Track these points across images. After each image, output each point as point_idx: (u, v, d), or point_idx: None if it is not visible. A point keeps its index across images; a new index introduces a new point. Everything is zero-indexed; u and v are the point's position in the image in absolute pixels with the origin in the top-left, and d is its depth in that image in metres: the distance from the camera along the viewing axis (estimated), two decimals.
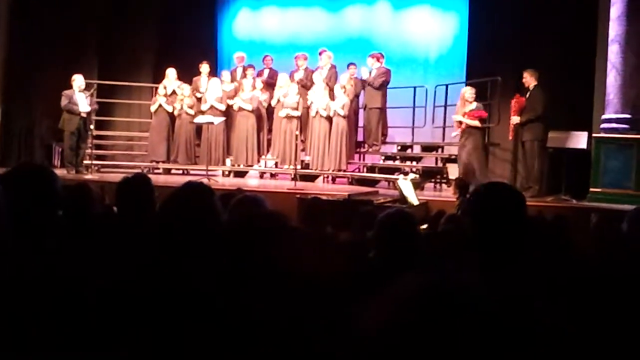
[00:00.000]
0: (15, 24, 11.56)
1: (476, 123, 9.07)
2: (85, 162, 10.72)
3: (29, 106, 11.92)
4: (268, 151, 11.41)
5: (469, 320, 0.74)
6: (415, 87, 11.16)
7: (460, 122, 9.21)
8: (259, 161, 11.49)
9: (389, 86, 11.02)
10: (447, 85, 10.85)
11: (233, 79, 11.71)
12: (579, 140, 8.60)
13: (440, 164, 10.47)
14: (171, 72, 11.55)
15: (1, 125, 11.70)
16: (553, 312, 1.72)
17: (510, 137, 9.22)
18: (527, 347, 0.77)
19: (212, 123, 10.63)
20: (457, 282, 0.79)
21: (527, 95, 9.04)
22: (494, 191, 2.22)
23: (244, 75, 11.54)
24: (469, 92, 9.33)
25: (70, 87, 10.46)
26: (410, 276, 0.82)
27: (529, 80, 9.06)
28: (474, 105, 9.19)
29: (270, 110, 11.32)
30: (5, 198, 1.54)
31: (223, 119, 10.92)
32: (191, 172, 11.33)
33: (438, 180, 10.28)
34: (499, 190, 2.23)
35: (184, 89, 11.37)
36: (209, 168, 10.40)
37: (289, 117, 10.73)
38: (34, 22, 11.60)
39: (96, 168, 11.12)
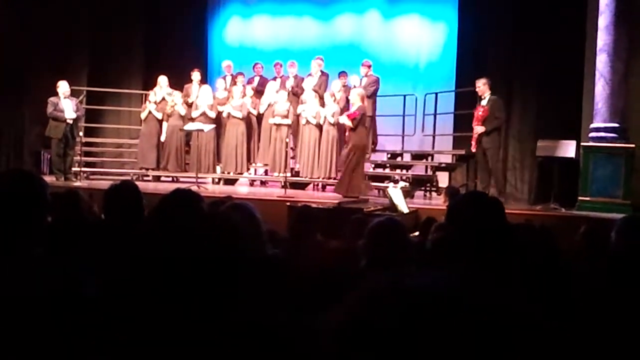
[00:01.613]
0: (4, 30, 11.51)
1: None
2: (74, 169, 10.67)
3: (18, 113, 11.87)
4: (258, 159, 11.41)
5: (423, 321, 0.74)
6: (405, 96, 11.21)
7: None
8: (248, 169, 11.48)
9: (378, 94, 11.06)
10: (436, 94, 10.90)
11: (224, 87, 11.71)
12: (568, 149, 8.66)
13: (430, 172, 10.50)
14: (163, 80, 11.52)
15: None
16: (530, 317, 1.73)
17: (473, 149, 9.29)
18: (498, 349, 0.78)
19: (202, 130, 10.61)
20: (415, 282, 0.79)
21: (487, 104, 9.11)
22: (469, 201, 2.24)
23: (234, 83, 11.55)
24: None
25: (57, 93, 10.42)
26: (374, 277, 0.83)
27: (483, 89, 9.17)
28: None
29: (260, 117, 11.32)
30: None
31: (213, 126, 10.91)
32: (181, 179, 11.30)
33: (428, 189, 10.31)
34: (474, 199, 2.25)
35: (175, 96, 11.35)
36: (199, 175, 10.38)
37: (278, 125, 10.74)
38: (23, 29, 11.56)
39: (85, 175, 11.07)
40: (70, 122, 10.36)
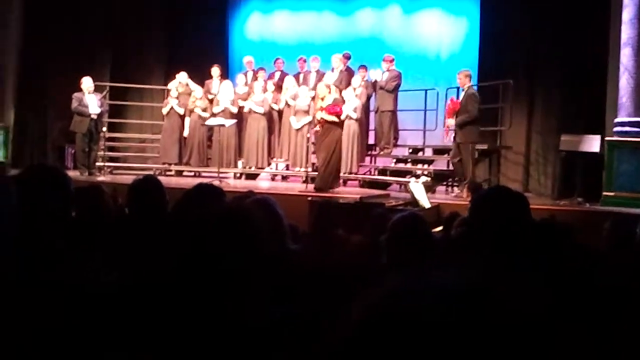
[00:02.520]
0: (28, 28, 11.66)
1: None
2: (97, 164, 10.78)
3: (42, 109, 12.01)
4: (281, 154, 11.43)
5: (432, 324, 0.73)
6: (426, 90, 11.13)
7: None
8: (270, 164, 11.51)
9: (400, 89, 11.02)
10: (458, 88, 10.80)
11: (244, 83, 11.75)
12: (592, 143, 8.54)
13: (452, 167, 10.42)
14: (182, 76, 11.59)
15: (15, 128, 11.79)
16: (554, 314, 1.71)
17: (446, 139, 9.29)
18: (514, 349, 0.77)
19: (223, 125, 10.66)
20: (438, 279, 0.79)
21: (462, 98, 9.06)
22: (494, 195, 2.21)
23: (255, 79, 11.58)
24: None
25: (80, 89, 10.52)
26: (397, 274, 0.83)
27: (463, 80, 9.17)
28: None
29: (281, 112, 11.33)
30: (19, 198, 1.56)
31: (234, 121, 10.95)
32: (203, 174, 11.36)
33: (450, 183, 10.24)
34: (498, 194, 2.23)
35: (196, 90, 11.41)
36: (221, 170, 10.42)
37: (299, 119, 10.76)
38: (47, 26, 11.69)
39: (109, 170, 11.18)
40: (95, 117, 10.48)
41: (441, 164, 10.77)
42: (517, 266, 1.94)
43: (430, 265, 2.53)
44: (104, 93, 10.91)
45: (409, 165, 11.06)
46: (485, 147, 9.97)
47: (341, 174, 10.65)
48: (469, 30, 12.00)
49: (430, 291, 0.75)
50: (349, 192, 9.38)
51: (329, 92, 9.24)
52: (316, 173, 10.72)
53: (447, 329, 0.72)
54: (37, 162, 10.51)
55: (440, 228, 5.51)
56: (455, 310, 0.73)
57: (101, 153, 10.94)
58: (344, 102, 9.51)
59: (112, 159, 11.87)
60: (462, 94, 9.16)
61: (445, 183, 10.23)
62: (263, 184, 11.10)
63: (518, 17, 10.35)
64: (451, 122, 9.03)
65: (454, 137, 9.23)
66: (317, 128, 9.45)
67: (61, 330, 1.43)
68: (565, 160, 9.12)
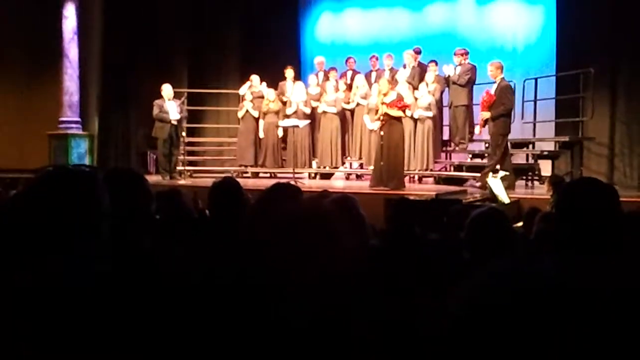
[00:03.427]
0: (110, 38, 12.16)
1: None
2: (178, 168, 11.12)
3: (125, 115, 12.52)
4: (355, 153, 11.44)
5: (549, 308, 0.72)
6: None
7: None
8: (344, 163, 11.53)
9: (475, 82, 10.80)
10: (536, 79, 10.51)
11: (316, 83, 11.81)
12: None
13: (531, 161, 10.14)
14: (255, 78, 11.78)
15: (99, 135, 12.34)
16: None
17: (479, 132, 9.00)
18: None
19: (297, 126, 10.77)
20: (535, 269, 0.77)
21: (495, 89, 8.85)
22: (583, 187, 2.12)
23: (326, 79, 11.62)
24: None
25: (161, 96, 10.88)
26: (489, 266, 0.82)
27: (495, 72, 8.96)
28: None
29: (353, 111, 11.33)
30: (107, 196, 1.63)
31: (308, 121, 11.04)
32: (278, 175, 11.51)
33: (529, 178, 9.96)
34: (588, 185, 2.13)
35: (269, 93, 11.57)
36: (296, 171, 10.53)
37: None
38: (129, 36, 12.16)
39: (189, 174, 11.51)
40: (175, 123, 10.80)
41: (520, 158, 10.49)
42: (607, 261, 1.86)
43: (518, 260, 2.46)
44: (183, 99, 11.23)
45: (485, 161, 10.82)
46: (566, 139, 9.64)
47: (417, 171, 10.57)
48: (545, 18, 11.63)
49: (526, 283, 0.74)
50: (425, 189, 9.27)
51: (392, 88, 9.16)
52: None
53: (542, 321, 0.70)
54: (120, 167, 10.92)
55: (520, 224, 5.37)
56: (551, 301, 0.72)
57: (181, 157, 11.28)
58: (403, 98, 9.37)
59: (191, 163, 12.21)
60: (494, 86, 8.96)
61: (524, 178, 9.95)
62: (338, 183, 11.14)
63: (596, 3, 9.94)
64: (486, 114, 8.85)
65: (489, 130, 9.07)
66: (378, 123, 9.37)
67: (152, 326, 1.49)
68: None
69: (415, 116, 10.34)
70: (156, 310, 1.52)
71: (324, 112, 11.21)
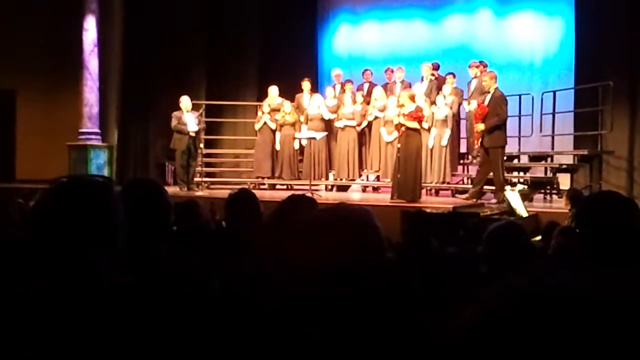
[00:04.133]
0: (129, 50, 12.30)
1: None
2: (195, 179, 11.17)
3: (144, 127, 12.63)
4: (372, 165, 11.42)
5: (565, 320, 0.71)
6: (520, 95, 10.82)
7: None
8: (361, 175, 11.52)
9: None
10: (554, 92, 10.45)
11: (333, 95, 11.83)
12: None
13: (550, 174, 10.06)
14: (273, 90, 11.82)
15: (118, 146, 12.46)
16: None
17: (476, 146, 8.84)
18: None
19: (314, 138, 10.78)
20: (553, 282, 0.77)
21: (489, 100, 8.66)
22: (602, 200, 2.11)
23: (343, 91, 11.64)
24: None
25: (179, 108, 10.97)
26: (506, 278, 0.81)
27: (489, 82, 8.78)
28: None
29: (370, 124, 11.33)
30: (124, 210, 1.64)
31: (325, 133, 11.05)
32: (295, 187, 11.51)
33: (548, 191, 9.88)
34: (608, 199, 2.12)
35: (285, 105, 11.59)
36: (312, 183, 10.54)
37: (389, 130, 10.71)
38: (148, 49, 12.29)
39: (206, 185, 11.56)
40: (193, 134, 10.86)
41: (538, 171, 10.42)
42: (627, 274, 1.84)
43: (536, 273, 2.44)
44: (201, 111, 11.31)
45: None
46: (585, 152, 9.56)
47: (434, 184, 10.53)
48: (564, 31, 11.58)
49: (544, 296, 0.73)
50: (442, 202, 9.23)
51: (412, 101, 9.14)
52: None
53: (560, 334, 0.70)
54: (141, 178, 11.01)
55: (539, 238, 5.32)
56: (569, 314, 0.71)
57: (199, 169, 11.34)
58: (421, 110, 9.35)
59: (208, 175, 12.27)
60: (488, 97, 8.80)
61: (542, 191, 9.88)
62: (354, 195, 11.12)
63: (615, 15, 9.88)
64: (480, 127, 8.72)
65: (481, 142, 8.88)
66: (395, 135, 9.35)
67: (169, 337, 1.49)
68: None
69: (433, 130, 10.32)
70: (172, 320, 1.53)
71: (345, 127, 11.15)
